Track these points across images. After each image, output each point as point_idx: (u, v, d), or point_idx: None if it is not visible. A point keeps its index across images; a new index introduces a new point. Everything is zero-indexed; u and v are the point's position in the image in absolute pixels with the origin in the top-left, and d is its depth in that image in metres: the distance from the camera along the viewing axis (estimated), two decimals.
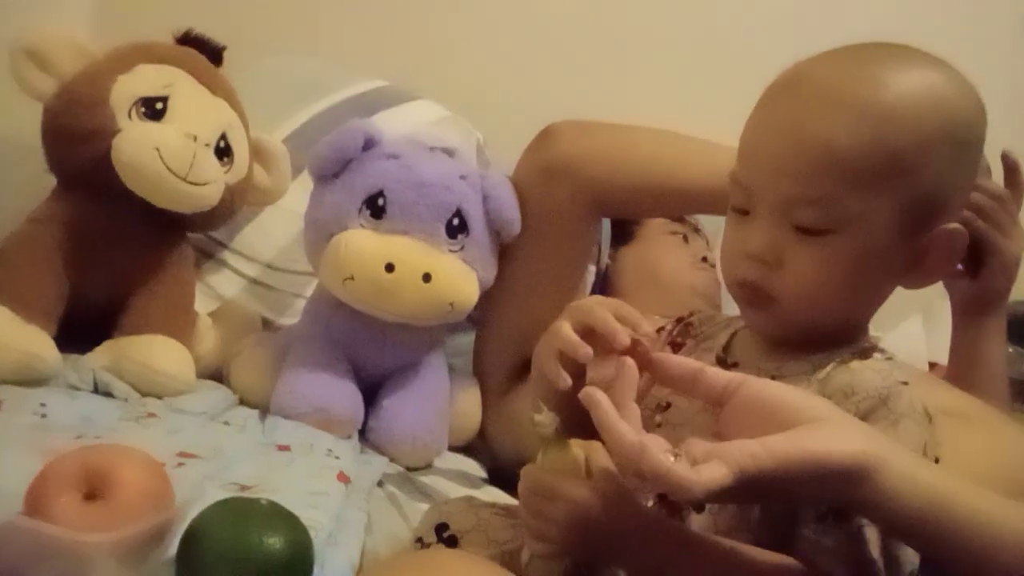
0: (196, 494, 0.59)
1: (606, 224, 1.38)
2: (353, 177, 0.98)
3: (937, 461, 0.59)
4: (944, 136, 0.58)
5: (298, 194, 1.19)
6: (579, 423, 0.65)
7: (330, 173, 0.99)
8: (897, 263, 0.60)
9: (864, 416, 0.56)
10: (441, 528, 0.69)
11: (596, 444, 0.59)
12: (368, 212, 0.97)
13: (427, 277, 0.95)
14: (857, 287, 0.60)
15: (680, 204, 1.12)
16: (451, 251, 0.99)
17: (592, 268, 1.35)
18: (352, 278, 0.94)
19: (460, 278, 0.98)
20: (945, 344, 1.08)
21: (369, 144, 1.00)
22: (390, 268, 0.94)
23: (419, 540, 0.69)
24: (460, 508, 0.71)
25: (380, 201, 0.97)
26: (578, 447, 0.58)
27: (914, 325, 1.51)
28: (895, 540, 0.55)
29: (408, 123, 1.27)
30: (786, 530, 0.58)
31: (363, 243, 0.95)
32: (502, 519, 0.70)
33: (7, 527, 0.49)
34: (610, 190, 1.05)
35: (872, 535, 0.55)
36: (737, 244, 0.62)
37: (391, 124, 1.16)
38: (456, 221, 1.00)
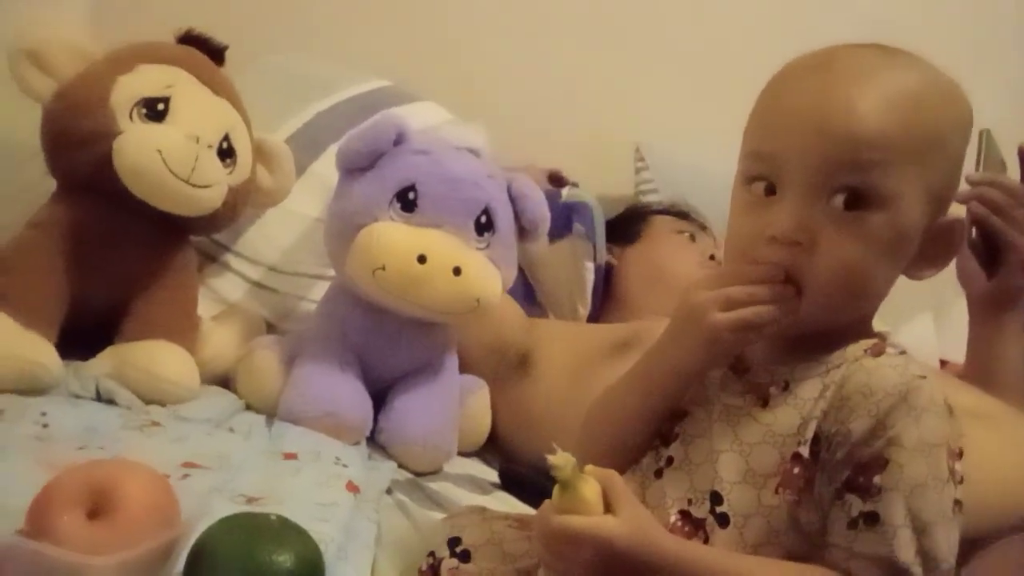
0: (203, 509, 0.58)
1: (600, 222, 1.37)
2: (384, 170, 0.98)
3: (961, 454, 0.58)
4: (956, 128, 0.60)
5: (301, 195, 1.19)
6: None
7: (360, 166, 0.99)
8: (912, 251, 0.60)
9: (885, 415, 0.55)
10: (454, 542, 0.67)
11: (613, 473, 0.57)
12: (399, 205, 0.97)
13: (457, 271, 0.94)
14: (884, 273, 0.59)
15: None
16: (478, 248, 0.99)
17: (590, 266, 1.33)
18: (383, 268, 0.94)
19: (487, 275, 0.98)
20: (957, 342, 1.07)
21: (399, 139, 0.99)
22: (422, 259, 0.93)
23: (431, 555, 0.68)
24: (473, 521, 0.69)
25: (411, 195, 0.97)
26: (594, 478, 0.56)
27: (924, 322, 1.50)
28: (929, 540, 0.54)
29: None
30: (817, 539, 0.57)
31: (395, 234, 0.95)
32: (516, 532, 0.68)
33: (8, 548, 0.48)
34: None
35: (906, 537, 0.54)
36: (759, 228, 0.59)
37: None
38: (484, 219, 1.00)
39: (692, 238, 1.36)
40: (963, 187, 0.79)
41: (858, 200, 0.57)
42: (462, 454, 1.06)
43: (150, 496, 0.54)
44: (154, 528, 0.52)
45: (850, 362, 0.59)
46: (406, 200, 0.97)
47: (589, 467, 0.57)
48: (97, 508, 0.52)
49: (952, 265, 0.87)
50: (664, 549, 0.56)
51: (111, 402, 0.87)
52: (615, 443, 0.67)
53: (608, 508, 0.56)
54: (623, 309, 1.32)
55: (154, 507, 0.53)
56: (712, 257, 1.33)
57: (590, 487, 0.55)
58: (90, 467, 0.55)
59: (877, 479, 0.55)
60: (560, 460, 0.54)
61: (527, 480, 0.99)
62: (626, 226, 1.40)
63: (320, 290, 1.14)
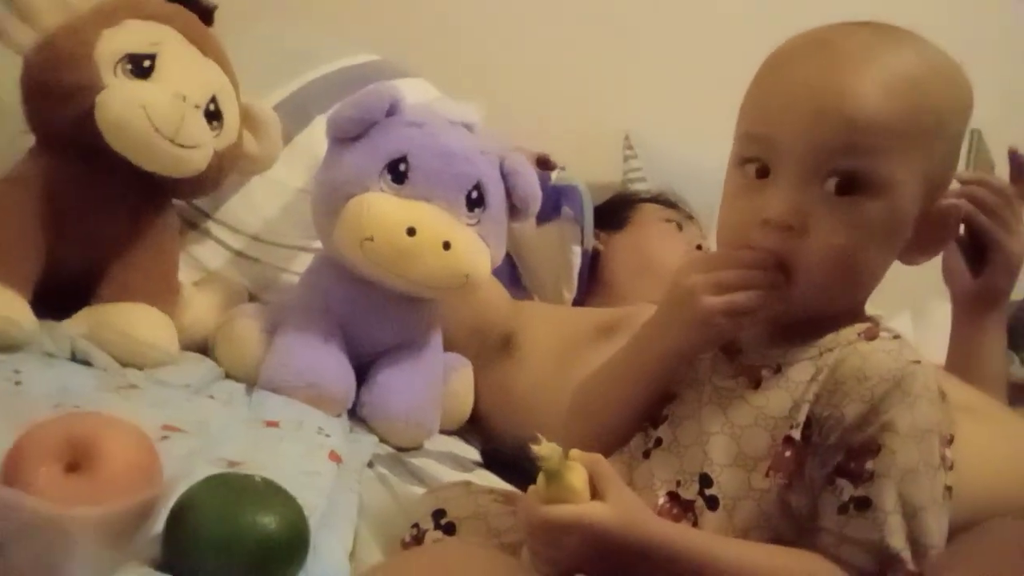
0: (185, 469, 0.56)
1: (589, 206, 1.36)
2: (376, 140, 0.96)
3: (951, 440, 0.58)
4: (955, 112, 0.59)
5: (286, 165, 1.16)
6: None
7: (352, 135, 0.97)
8: (907, 236, 0.59)
9: (879, 400, 0.55)
10: (438, 514, 0.66)
11: (599, 457, 0.57)
12: (389, 177, 0.95)
13: (447, 245, 0.93)
14: (877, 259, 0.59)
15: None
16: (468, 224, 0.97)
17: (577, 250, 1.33)
18: (372, 239, 0.92)
19: (477, 251, 0.97)
20: (935, 342, 1.07)
21: (392, 110, 0.98)
22: (411, 232, 0.92)
23: (415, 526, 0.67)
24: (458, 494, 0.68)
25: (402, 166, 0.95)
26: (580, 463, 0.55)
27: (902, 321, 1.51)
28: (920, 526, 0.54)
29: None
30: (807, 524, 0.57)
31: (385, 206, 0.93)
32: (501, 507, 0.67)
33: None
34: None
35: (897, 523, 0.54)
36: (751, 211, 0.58)
37: None
38: (475, 194, 0.98)
39: (679, 227, 1.36)
40: (953, 186, 0.80)
41: (852, 185, 0.56)
42: (443, 432, 1.04)
43: (132, 452, 0.52)
44: (136, 485, 0.50)
45: (843, 345, 0.58)
46: (397, 171, 0.95)
47: (574, 452, 0.55)
48: (76, 462, 0.50)
49: (936, 264, 0.88)
50: (652, 532, 0.55)
51: (86, 363, 0.85)
52: (602, 426, 0.66)
53: (595, 493, 0.55)
54: (608, 295, 1.32)
55: (136, 464, 0.51)
56: (699, 247, 1.34)
57: (577, 474, 0.54)
58: (69, 420, 0.53)
59: (869, 464, 0.55)
60: (546, 450, 0.53)
61: (510, 461, 0.98)
62: (614, 212, 1.40)
63: (302, 262, 1.12)
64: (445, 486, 0.73)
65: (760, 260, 0.58)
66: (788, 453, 0.57)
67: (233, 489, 0.55)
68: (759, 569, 0.55)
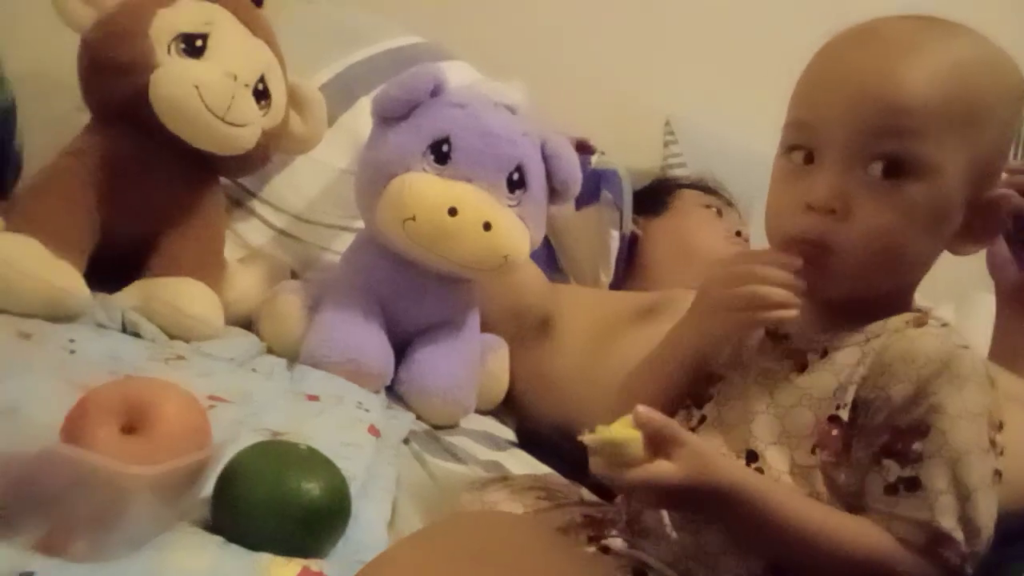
0: (233, 435, 0.58)
1: (628, 191, 1.36)
2: (419, 121, 0.97)
3: (1001, 426, 0.58)
4: (1004, 100, 0.59)
5: (330, 146, 1.18)
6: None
7: (396, 115, 0.98)
8: (953, 224, 0.59)
9: (926, 381, 0.55)
10: None
11: (658, 418, 0.55)
12: (432, 157, 0.96)
13: (487, 226, 0.94)
14: (920, 244, 0.59)
15: None
16: (509, 205, 0.98)
17: (615, 234, 1.33)
18: (414, 219, 0.93)
19: (517, 232, 0.97)
20: (979, 335, 1.05)
21: (436, 91, 0.99)
22: (453, 212, 0.93)
23: None
24: (503, 498, 0.69)
25: (445, 147, 0.96)
26: (635, 427, 0.54)
27: (946, 313, 1.48)
28: (973, 507, 0.55)
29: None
30: (855, 503, 0.57)
31: (427, 185, 0.94)
32: (548, 503, 0.68)
33: (47, 454, 0.48)
34: None
35: (948, 503, 0.54)
36: (796, 196, 0.59)
37: None
38: (516, 176, 0.99)
39: (719, 213, 1.35)
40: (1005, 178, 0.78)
41: (896, 169, 0.57)
42: (478, 412, 1.05)
43: (186, 416, 0.54)
44: (189, 447, 0.52)
45: (891, 332, 0.59)
46: (440, 152, 0.96)
47: (639, 411, 0.55)
48: (132, 424, 0.52)
49: (980, 255, 0.86)
50: (722, 479, 0.55)
51: (136, 335, 0.87)
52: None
53: (660, 451, 0.54)
54: (646, 280, 1.31)
55: (190, 427, 0.53)
56: (738, 233, 1.33)
57: (633, 445, 0.54)
58: (126, 383, 0.55)
59: (917, 445, 0.55)
60: (595, 443, 0.54)
61: (545, 441, 0.99)
62: (653, 197, 1.40)
63: (343, 241, 1.14)
64: (485, 486, 0.73)
65: (775, 258, 0.59)
66: (835, 432, 0.58)
67: (279, 455, 0.57)
68: (821, 526, 0.56)
